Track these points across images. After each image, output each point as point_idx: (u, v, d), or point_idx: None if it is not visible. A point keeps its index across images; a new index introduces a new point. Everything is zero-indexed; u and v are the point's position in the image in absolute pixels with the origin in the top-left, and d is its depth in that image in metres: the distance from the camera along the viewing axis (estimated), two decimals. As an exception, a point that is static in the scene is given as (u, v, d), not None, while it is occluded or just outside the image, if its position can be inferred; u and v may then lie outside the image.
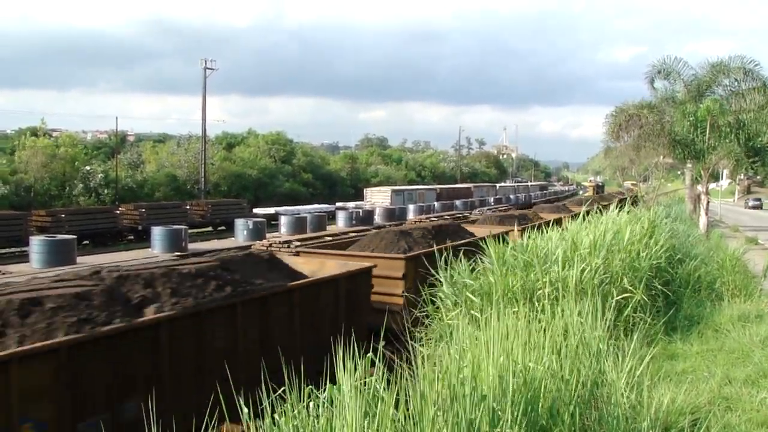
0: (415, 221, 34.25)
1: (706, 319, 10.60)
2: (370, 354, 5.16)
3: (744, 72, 27.33)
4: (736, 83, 27.98)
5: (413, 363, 5.35)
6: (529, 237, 11.01)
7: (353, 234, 20.52)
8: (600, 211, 14.58)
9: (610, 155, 37.79)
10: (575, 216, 14.02)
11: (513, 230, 14.68)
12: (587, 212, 13.51)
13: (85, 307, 6.73)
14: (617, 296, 9.09)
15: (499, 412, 4.49)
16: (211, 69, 60.50)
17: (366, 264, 11.27)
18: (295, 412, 4.53)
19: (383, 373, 4.82)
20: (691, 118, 27.06)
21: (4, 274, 19.44)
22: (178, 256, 22.52)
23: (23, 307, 6.46)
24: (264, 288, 8.78)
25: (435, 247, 10.49)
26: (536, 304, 8.15)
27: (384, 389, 4.58)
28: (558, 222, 13.00)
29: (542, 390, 4.97)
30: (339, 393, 4.55)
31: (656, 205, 24.93)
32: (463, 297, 8.91)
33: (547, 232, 11.29)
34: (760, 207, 72.68)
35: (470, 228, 16.80)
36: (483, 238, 11.02)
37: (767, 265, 14.63)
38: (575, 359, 5.93)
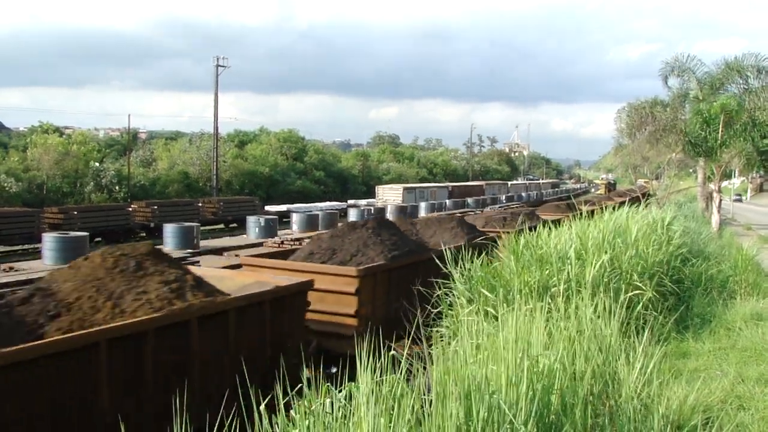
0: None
1: (718, 317, 10.56)
2: (393, 352, 5.16)
3: (757, 70, 27.19)
4: (749, 80, 27.84)
5: (428, 361, 5.36)
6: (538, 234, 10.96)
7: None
8: (585, 216, 12.69)
9: (621, 152, 37.71)
10: (531, 229, 11.97)
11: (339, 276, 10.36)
12: (556, 222, 12.60)
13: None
14: (628, 293, 9.06)
15: (510, 409, 4.51)
16: (223, 66, 60.60)
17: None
18: (312, 408, 4.55)
19: (404, 371, 4.84)
20: (704, 115, 26.92)
21: (17, 271, 19.58)
22: (190, 253, 22.63)
23: (459, 222, 15.17)
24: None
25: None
26: (550, 300, 8.15)
27: (404, 388, 4.60)
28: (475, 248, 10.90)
29: (555, 386, 4.98)
30: (357, 391, 4.57)
31: (668, 203, 24.85)
32: (477, 293, 8.92)
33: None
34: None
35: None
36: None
37: None
38: (587, 356, 5.94)
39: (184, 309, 6.86)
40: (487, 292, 8.74)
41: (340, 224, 11.94)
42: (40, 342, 5.88)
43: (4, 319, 6.18)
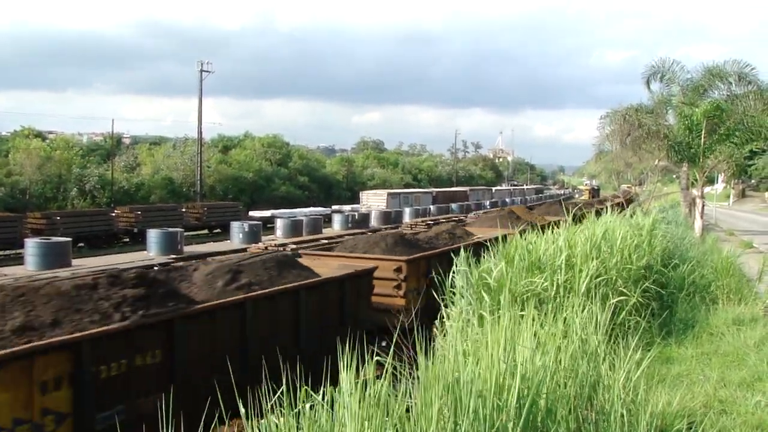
0: (411, 225, 34.33)
1: (701, 322, 10.63)
2: (376, 357, 5.13)
3: (738, 76, 27.38)
4: (732, 87, 28.04)
5: (417, 364, 5.35)
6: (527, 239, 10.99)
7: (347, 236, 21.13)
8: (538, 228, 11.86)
9: (602, 159, 37.85)
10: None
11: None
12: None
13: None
14: (614, 299, 9.10)
15: (497, 413, 4.52)
16: (207, 71, 60.47)
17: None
18: (294, 412, 4.53)
19: (389, 375, 4.81)
20: (686, 122, 27.08)
21: (-1, 276, 19.40)
22: (174, 258, 22.53)
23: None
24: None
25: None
26: (539, 306, 8.19)
27: (388, 393, 4.57)
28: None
29: (541, 391, 4.99)
30: (340, 395, 4.55)
31: (652, 209, 24.95)
32: (477, 296, 8.93)
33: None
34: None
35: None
36: None
37: (762, 269, 14.67)
38: (573, 362, 5.96)
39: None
40: (486, 295, 8.73)
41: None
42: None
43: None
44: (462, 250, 9.72)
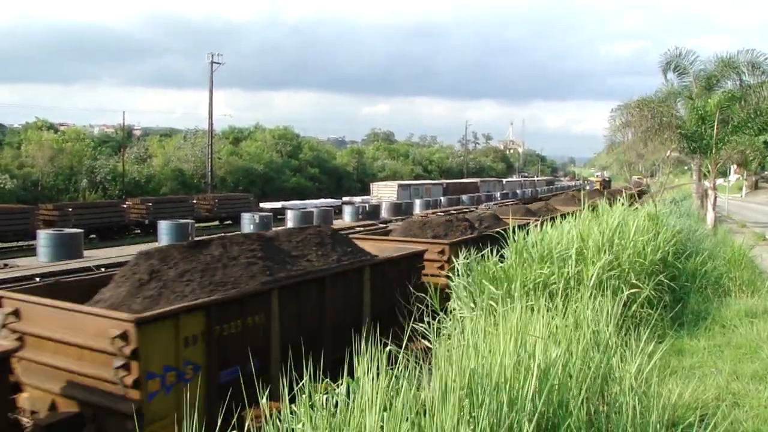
0: (422, 216, 34.39)
1: (713, 314, 10.59)
2: (390, 346, 5.14)
3: (752, 66, 27.17)
4: (743, 77, 27.82)
5: (428, 354, 5.35)
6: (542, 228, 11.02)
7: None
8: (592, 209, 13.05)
9: (614, 150, 37.61)
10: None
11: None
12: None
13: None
14: (626, 291, 9.07)
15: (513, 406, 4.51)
16: (217, 63, 60.38)
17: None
18: (312, 402, 4.54)
19: (403, 366, 4.82)
20: (700, 112, 26.86)
21: (11, 267, 19.54)
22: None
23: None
24: None
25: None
26: (550, 297, 8.17)
27: (404, 383, 4.58)
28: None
29: (554, 383, 4.98)
30: (358, 386, 4.56)
31: (663, 201, 24.87)
32: (480, 287, 8.91)
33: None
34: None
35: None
36: None
37: None
38: (585, 354, 5.94)
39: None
40: (491, 287, 8.70)
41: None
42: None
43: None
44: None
